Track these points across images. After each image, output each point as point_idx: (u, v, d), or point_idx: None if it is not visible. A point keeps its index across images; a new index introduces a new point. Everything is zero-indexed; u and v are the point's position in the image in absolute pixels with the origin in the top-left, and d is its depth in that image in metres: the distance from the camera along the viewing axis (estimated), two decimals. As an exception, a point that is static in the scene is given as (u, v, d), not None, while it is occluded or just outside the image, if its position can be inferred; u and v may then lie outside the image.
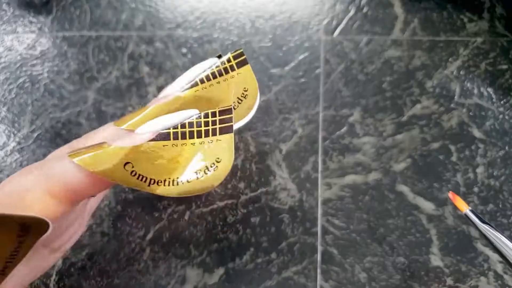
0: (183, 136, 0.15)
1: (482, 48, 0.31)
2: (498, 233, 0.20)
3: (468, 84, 0.30)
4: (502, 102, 0.30)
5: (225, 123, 0.16)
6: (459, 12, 0.31)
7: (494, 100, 0.30)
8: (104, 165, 0.15)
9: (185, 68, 0.31)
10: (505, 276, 0.28)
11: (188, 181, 0.16)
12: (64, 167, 0.16)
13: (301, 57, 0.31)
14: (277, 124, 0.30)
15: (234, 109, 0.18)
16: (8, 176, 0.30)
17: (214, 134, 0.16)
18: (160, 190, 0.16)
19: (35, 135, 0.30)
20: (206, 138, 0.16)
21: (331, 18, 0.31)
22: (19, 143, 0.30)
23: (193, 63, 0.31)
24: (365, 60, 0.31)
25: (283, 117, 0.30)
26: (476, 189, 0.29)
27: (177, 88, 0.18)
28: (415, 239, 0.28)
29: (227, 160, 0.16)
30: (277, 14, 0.32)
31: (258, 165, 0.29)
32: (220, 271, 0.28)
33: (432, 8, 0.31)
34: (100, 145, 0.16)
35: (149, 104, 0.18)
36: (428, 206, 0.29)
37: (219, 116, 0.16)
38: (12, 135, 0.30)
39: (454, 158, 0.29)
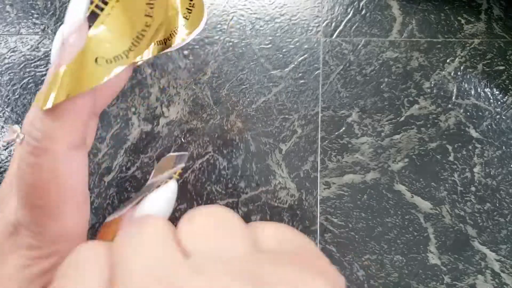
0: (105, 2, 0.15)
1: (479, 49, 0.31)
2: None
3: (466, 85, 0.31)
4: (499, 102, 0.30)
5: None
6: (457, 14, 0.32)
7: (491, 100, 0.30)
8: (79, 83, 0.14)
9: (187, 69, 0.32)
10: (502, 275, 0.28)
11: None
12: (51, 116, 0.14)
13: (300, 58, 0.31)
14: (277, 125, 0.30)
15: (187, 19, 0.18)
16: (12, 175, 0.30)
17: None
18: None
19: (38, 135, 0.31)
20: None
21: (330, 20, 0.32)
22: (23, 143, 0.31)
23: (194, 64, 0.32)
24: (364, 62, 0.31)
25: (283, 117, 0.30)
26: (473, 189, 0.29)
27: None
28: (412, 237, 0.29)
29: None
30: (277, 16, 0.32)
31: (258, 165, 0.30)
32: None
33: (430, 10, 0.32)
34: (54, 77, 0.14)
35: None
36: (425, 205, 0.29)
37: None
38: (16, 135, 0.31)
39: (451, 158, 0.30)
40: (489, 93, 0.30)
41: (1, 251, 0.16)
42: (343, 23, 0.32)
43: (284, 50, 0.31)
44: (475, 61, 0.31)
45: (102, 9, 0.15)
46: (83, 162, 0.16)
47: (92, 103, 0.15)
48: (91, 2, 0.15)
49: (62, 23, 0.15)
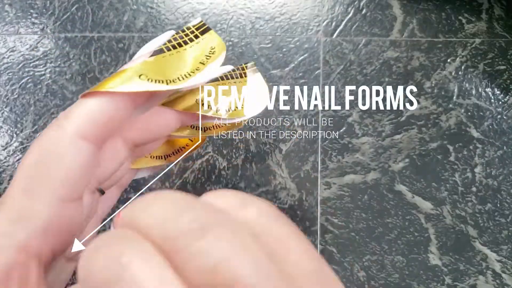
0: (174, 47, 0.18)
1: (480, 48, 0.31)
2: None
3: (467, 85, 0.30)
4: (500, 102, 0.30)
5: (203, 30, 0.19)
6: (458, 13, 0.32)
7: (492, 100, 0.30)
8: (123, 83, 0.16)
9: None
10: (503, 275, 0.28)
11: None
12: (85, 104, 0.16)
13: (300, 58, 0.31)
14: (277, 125, 0.30)
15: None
16: (10, 176, 0.30)
17: (194, 39, 0.19)
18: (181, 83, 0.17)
19: (37, 135, 0.31)
20: (191, 43, 0.19)
21: (331, 19, 0.32)
22: (21, 143, 0.31)
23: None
24: (364, 61, 0.31)
25: (283, 117, 0.30)
26: (474, 189, 0.29)
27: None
28: (413, 238, 0.28)
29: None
30: (277, 15, 0.32)
31: (258, 165, 0.30)
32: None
33: (431, 9, 0.32)
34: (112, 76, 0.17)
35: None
36: (426, 205, 0.29)
37: (195, 27, 0.19)
38: (14, 135, 0.31)
39: (452, 158, 0.29)
40: (490, 93, 0.30)
41: None
42: (344, 23, 0.32)
43: (284, 49, 0.31)
44: (476, 60, 0.31)
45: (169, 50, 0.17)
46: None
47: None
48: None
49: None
